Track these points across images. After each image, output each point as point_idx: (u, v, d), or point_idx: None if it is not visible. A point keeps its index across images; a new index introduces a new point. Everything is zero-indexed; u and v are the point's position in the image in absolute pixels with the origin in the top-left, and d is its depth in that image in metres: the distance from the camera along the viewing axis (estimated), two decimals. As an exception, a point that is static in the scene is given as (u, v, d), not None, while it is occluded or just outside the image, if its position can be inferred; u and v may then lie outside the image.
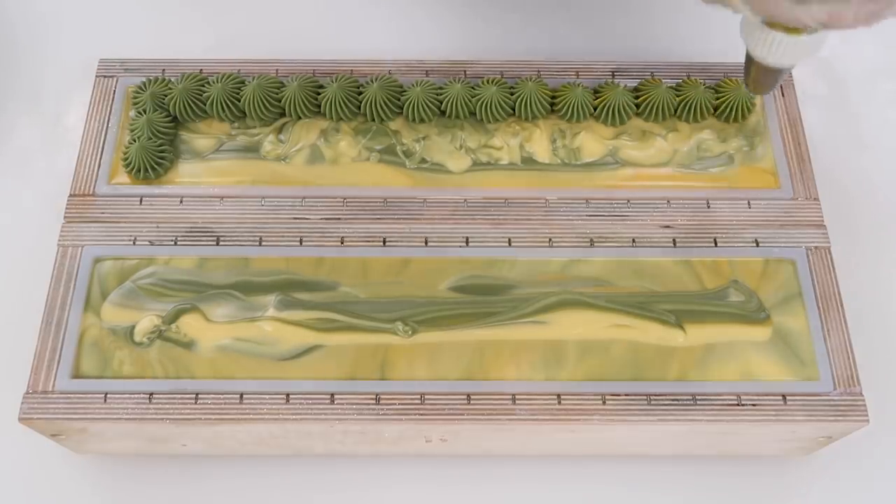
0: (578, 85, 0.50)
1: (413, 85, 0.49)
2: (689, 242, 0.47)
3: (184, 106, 0.49)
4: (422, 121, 0.49)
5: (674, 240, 0.47)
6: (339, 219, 0.47)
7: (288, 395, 0.42)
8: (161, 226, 0.47)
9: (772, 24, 0.38)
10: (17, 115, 0.57)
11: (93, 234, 0.46)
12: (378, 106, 0.49)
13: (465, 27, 0.60)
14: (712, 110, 0.49)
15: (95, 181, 0.48)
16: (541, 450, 0.47)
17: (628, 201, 0.48)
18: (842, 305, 0.45)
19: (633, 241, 0.47)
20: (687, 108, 0.49)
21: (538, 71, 0.51)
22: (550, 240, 0.47)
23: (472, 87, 0.49)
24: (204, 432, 0.43)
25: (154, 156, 0.47)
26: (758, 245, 0.46)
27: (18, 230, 0.53)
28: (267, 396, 0.42)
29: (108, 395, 0.42)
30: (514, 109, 0.49)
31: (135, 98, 0.50)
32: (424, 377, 0.43)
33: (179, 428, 0.42)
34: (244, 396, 0.42)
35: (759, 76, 0.42)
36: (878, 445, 0.47)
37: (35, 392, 0.42)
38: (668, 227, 0.47)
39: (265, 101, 0.49)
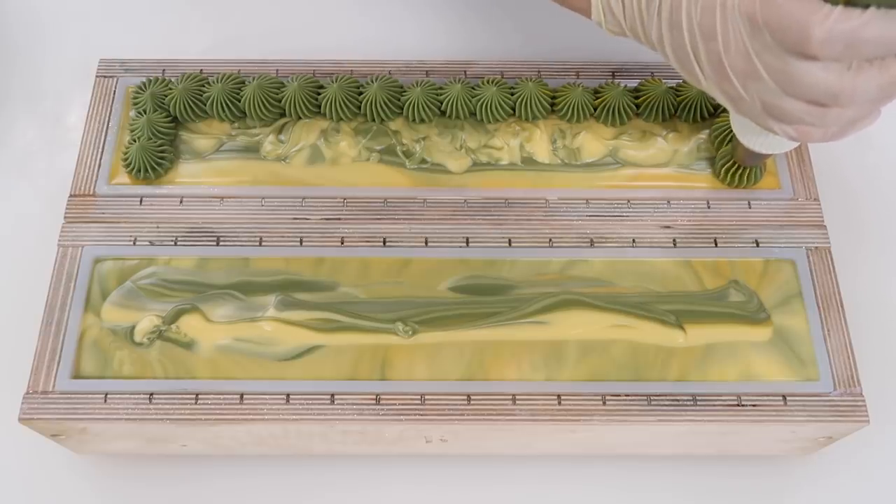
0: (578, 85, 0.50)
1: (413, 85, 0.49)
2: (689, 242, 0.47)
3: (184, 106, 0.49)
4: (422, 121, 0.49)
5: (674, 240, 0.47)
6: (339, 219, 0.47)
7: (288, 395, 0.42)
8: (161, 226, 0.47)
9: None
10: (17, 115, 0.57)
11: (93, 235, 0.46)
12: (378, 106, 0.49)
13: (465, 27, 0.60)
14: (712, 110, 0.49)
15: (95, 181, 0.48)
16: (541, 450, 0.47)
17: (628, 201, 0.48)
18: (842, 305, 0.45)
19: (633, 241, 0.47)
20: (687, 108, 0.49)
21: (538, 71, 0.51)
22: (550, 240, 0.47)
23: (472, 88, 0.49)
24: (204, 432, 0.43)
25: (154, 156, 0.47)
26: (758, 245, 0.46)
27: (18, 230, 0.53)
28: (267, 396, 0.42)
29: (108, 396, 0.42)
30: (514, 109, 0.49)
31: (135, 98, 0.50)
32: (424, 377, 0.43)
33: (179, 428, 0.42)
34: (244, 396, 0.42)
35: (747, 156, 0.46)
36: (878, 445, 0.47)
37: (35, 392, 0.42)
38: (668, 227, 0.47)
39: (265, 102, 0.49)
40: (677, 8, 0.36)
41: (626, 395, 0.42)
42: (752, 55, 0.34)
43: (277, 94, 0.49)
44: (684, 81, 0.50)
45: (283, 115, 0.50)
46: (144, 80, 0.51)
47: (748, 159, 0.46)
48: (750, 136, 0.43)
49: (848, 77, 0.33)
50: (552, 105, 0.50)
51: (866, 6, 0.31)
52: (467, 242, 0.46)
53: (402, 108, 0.49)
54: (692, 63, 0.37)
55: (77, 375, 0.43)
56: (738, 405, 0.42)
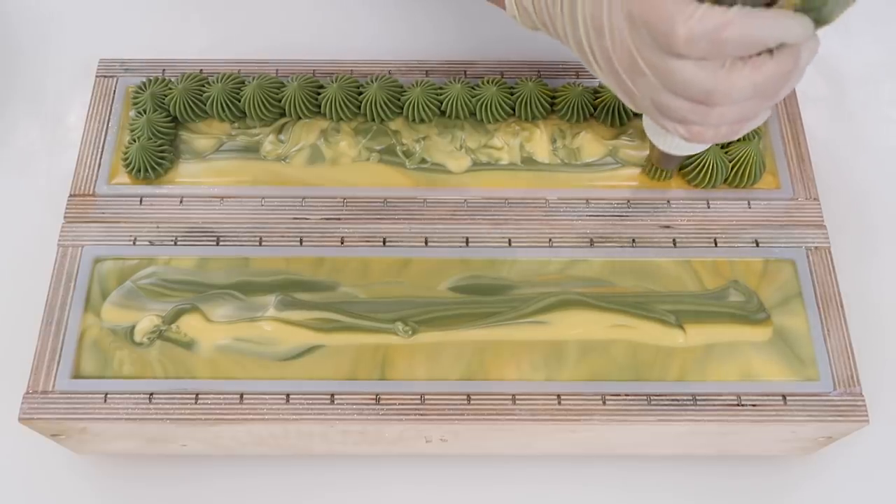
0: (578, 85, 0.50)
1: (413, 85, 0.49)
2: (689, 242, 0.47)
3: (184, 106, 0.49)
4: (422, 121, 0.49)
5: (674, 240, 0.47)
6: (339, 219, 0.47)
7: (288, 395, 0.42)
8: (161, 226, 0.47)
9: None
10: (18, 116, 0.57)
11: (93, 234, 0.46)
12: (378, 106, 0.49)
13: (465, 27, 0.60)
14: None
15: (95, 181, 0.48)
16: (541, 450, 0.47)
17: (628, 201, 0.48)
18: (842, 305, 0.45)
19: (633, 241, 0.47)
20: (687, 108, 0.49)
21: (538, 71, 0.51)
22: (550, 240, 0.47)
23: (472, 87, 0.49)
24: (204, 432, 0.43)
25: (154, 156, 0.47)
26: (758, 245, 0.46)
27: (18, 230, 0.53)
28: (267, 396, 0.42)
29: (108, 395, 0.42)
30: (514, 109, 0.49)
31: (135, 98, 0.50)
32: (424, 377, 0.43)
33: (179, 428, 0.42)
34: (244, 396, 0.42)
35: (661, 158, 0.45)
36: (878, 445, 0.47)
37: (35, 392, 0.42)
38: (668, 227, 0.47)
39: (265, 101, 0.49)
40: (573, 3, 0.36)
41: (626, 395, 0.42)
42: (633, 51, 0.34)
43: (277, 94, 0.49)
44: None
45: (283, 115, 0.50)
46: (144, 80, 0.51)
47: (663, 161, 0.46)
48: (658, 137, 0.43)
49: (722, 75, 0.32)
50: (552, 105, 0.50)
51: (732, 4, 0.31)
52: (467, 242, 0.46)
53: (402, 108, 0.49)
54: (589, 58, 0.37)
55: (77, 375, 0.43)
56: (737, 405, 0.42)
